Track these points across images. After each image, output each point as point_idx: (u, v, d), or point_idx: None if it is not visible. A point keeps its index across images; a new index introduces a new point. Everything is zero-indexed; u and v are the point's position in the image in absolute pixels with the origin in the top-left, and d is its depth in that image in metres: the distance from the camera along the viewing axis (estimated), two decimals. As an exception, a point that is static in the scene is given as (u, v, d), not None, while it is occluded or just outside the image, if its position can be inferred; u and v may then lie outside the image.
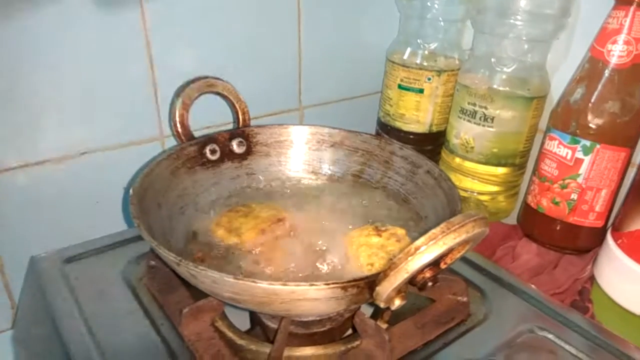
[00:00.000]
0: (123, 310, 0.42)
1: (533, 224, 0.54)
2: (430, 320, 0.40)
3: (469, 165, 0.58)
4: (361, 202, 0.47)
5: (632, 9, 0.45)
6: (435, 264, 0.32)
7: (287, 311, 0.33)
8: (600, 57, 0.47)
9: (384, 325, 0.40)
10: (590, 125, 0.48)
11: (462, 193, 0.60)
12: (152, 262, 0.45)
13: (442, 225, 0.27)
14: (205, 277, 0.30)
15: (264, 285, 0.29)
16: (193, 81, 0.47)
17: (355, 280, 0.30)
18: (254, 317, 0.42)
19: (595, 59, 0.48)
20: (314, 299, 0.30)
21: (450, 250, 0.28)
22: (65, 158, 0.50)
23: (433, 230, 0.27)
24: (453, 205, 0.39)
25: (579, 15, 0.54)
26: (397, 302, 0.31)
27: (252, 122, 0.58)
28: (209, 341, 0.37)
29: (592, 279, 0.50)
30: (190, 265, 0.30)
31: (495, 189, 0.59)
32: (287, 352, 0.38)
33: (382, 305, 0.31)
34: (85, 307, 0.41)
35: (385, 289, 0.29)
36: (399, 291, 0.31)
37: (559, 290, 0.48)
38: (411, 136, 0.66)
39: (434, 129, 0.65)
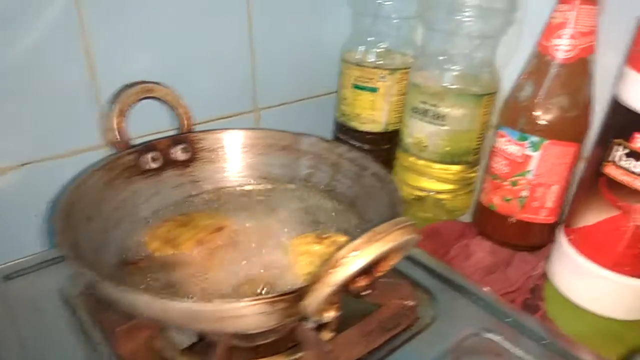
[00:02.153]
0: (60, 328, 0.40)
1: (486, 222, 0.54)
2: (376, 327, 0.39)
3: (423, 164, 0.57)
4: (308, 207, 0.46)
5: (576, 2, 0.44)
6: (367, 272, 0.31)
7: (216, 329, 0.31)
8: (546, 52, 0.46)
9: (330, 334, 0.39)
10: (538, 121, 0.47)
11: (419, 192, 0.60)
12: (91, 277, 0.43)
13: (366, 234, 0.26)
14: (125, 297, 0.29)
15: (186, 304, 0.28)
16: (130, 86, 0.45)
17: (282, 294, 0.28)
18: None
19: (542, 54, 0.47)
20: (240, 315, 0.29)
21: (376, 260, 0.27)
22: (4, 170, 0.48)
23: (356, 241, 0.26)
24: (394, 208, 0.38)
25: (527, 10, 0.54)
26: (329, 314, 0.30)
27: (205, 126, 0.57)
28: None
29: (544, 276, 0.50)
30: (108, 284, 0.29)
31: (450, 187, 0.58)
32: (228, 367, 0.36)
33: (312, 318, 0.30)
34: (21, 326, 0.40)
35: (311, 303, 0.28)
36: (330, 303, 0.29)
37: (511, 288, 0.48)
38: (368, 136, 0.65)
39: (390, 127, 0.64)
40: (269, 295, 0.28)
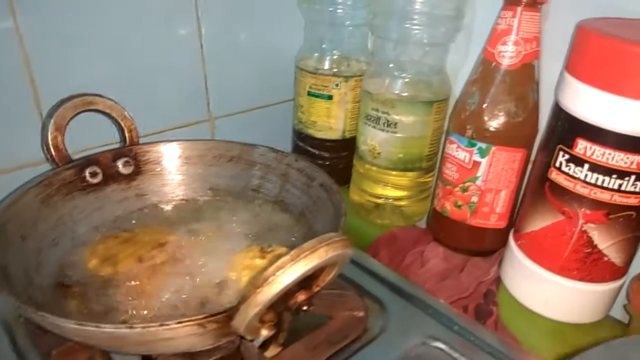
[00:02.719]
0: (-3, 355, 0.38)
1: (440, 227, 0.54)
2: (323, 340, 0.39)
3: (377, 170, 0.57)
4: (256, 220, 0.45)
5: (519, 9, 0.45)
6: (306, 286, 0.31)
7: (147, 352, 0.30)
8: (492, 59, 0.47)
9: (277, 349, 0.38)
10: (485, 127, 0.47)
11: (376, 200, 0.59)
12: (30, 299, 0.41)
13: (293, 252, 0.26)
14: (50, 323, 0.27)
15: (109, 329, 0.27)
16: (68, 99, 0.43)
17: (211, 315, 0.28)
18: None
19: (487, 60, 0.47)
20: (169, 338, 0.28)
21: (304, 277, 0.26)
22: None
23: (282, 259, 0.25)
24: (337, 220, 0.37)
25: (475, 16, 0.54)
26: (264, 333, 0.29)
27: (158, 137, 0.55)
28: (82, 384, 0.34)
29: (497, 280, 0.50)
30: (30, 310, 0.27)
31: (405, 193, 0.58)
32: (170, 388, 0.35)
33: (247, 337, 0.29)
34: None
35: (240, 323, 0.27)
36: (263, 322, 0.29)
37: (464, 294, 0.48)
38: (326, 143, 0.65)
39: (348, 135, 0.64)
40: (198, 317, 0.27)
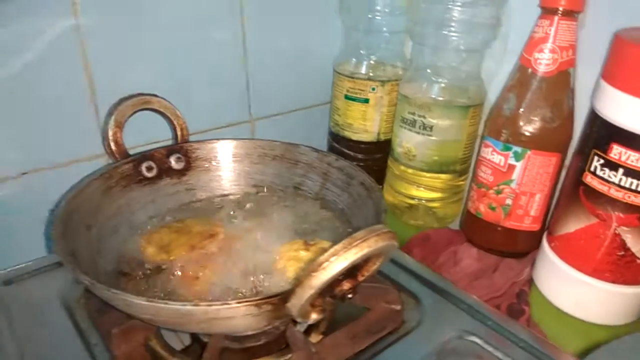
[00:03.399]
0: (58, 331, 0.41)
1: (473, 229, 0.55)
2: (363, 330, 0.41)
3: (412, 172, 0.59)
4: (298, 215, 0.47)
5: (556, 18, 0.46)
6: (351, 275, 0.33)
7: (207, 330, 0.33)
8: (528, 66, 0.48)
9: (319, 337, 0.41)
10: (521, 132, 0.49)
11: (410, 201, 0.61)
12: (89, 283, 0.44)
13: (345, 240, 0.28)
14: (118, 299, 0.30)
15: (176, 307, 0.29)
16: (127, 98, 0.47)
17: (267, 297, 0.30)
18: (192, 334, 0.42)
19: (524, 67, 0.49)
20: (228, 317, 0.30)
21: (356, 264, 0.28)
22: (5, 179, 0.50)
23: (335, 246, 0.28)
24: (378, 217, 0.39)
25: (511, 24, 0.56)
26: (314, 316, 0.31)
27: (203, 136, 0.58)
28: (140, 360, 0.37)
29: (530, 281, 0.51)
30: (103, 288, 0.30)
31: (439, 195, 0.60)
32: (219, 369, 0.38)
33: (298, 320, 0.31)
34: (19, 330, 0.41)
35: (294, 305, 0.29)
36: (313, 305, 0.31)
37: (497, 293, 0.49)
38: (361, 145, 0.67)
39: (382, 137, 0.66)
40: (256, 298, 0.30)
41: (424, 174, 0.59)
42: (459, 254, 0.54)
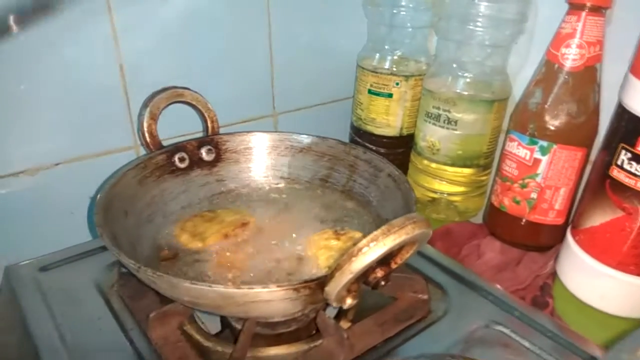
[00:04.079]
0: (94, 316, 0.43)
1: (496, 222, 0.56)
2: (391, 318, 0.42)
3: (435, 166, 0.60)
4: (326, 206, 0.48)
5: (583, 14, 0.46)
6: (385, 263, 0.34)
7: (245, 313, 0.34)
8: (555, 61, 0.49)
9: (347, 324, 0.42)
10: (547, 126, 0.49)
11: (432, 194, 0.62)
12: (124, 270, 0.46)
13: (384, 227, 0.29)
14: (163, 282, 0.32)
15: (219, 289, 0.31)
16: (161, 91, 0.48)
17: (305, 281, 0.31)
18: (224, 320, 0.43)
19: (551, 62, 0.49)
20: (267, 300, 0.31)
21: (392, 251, 0.29)
22: (39, 169, 0.51)
23: (374, 232, 0.29)
24: (408, 207, 0.40)
25: (537, 20, 0.56)
26: (349, 301, 0.32)
27: (228, 129, 0.59)
28: (176, 344, 0.39)
29: (554, 274, 0.52)
30: (148, 272, 0.32)
31: (462, 189, 0.60)
32: (252, 353, 0.39)
33: (334, 304, 0.32)
34: (57, 314, 0.42)
35: (333, 289, 0.30)
36: (349, 291, 0.32)
37: (521, 286, 0.50)
38: (384, 140, 0.68)
39: (405, 132, 0.67)
40: (295, 282, 0.31)
41: (448, 168, 0.59)
42: (482, 247, 0.55)
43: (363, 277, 0.33)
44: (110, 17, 0.49)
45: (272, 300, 0.31)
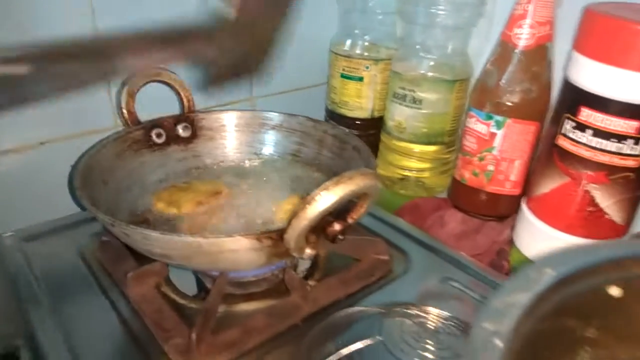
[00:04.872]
0: (78, 280, 0.46)
1: (459, 194, 0.60)
2: (353, 276, 0.45)
3: (403, 145, 0.63)
4: (296, 178, 0.52)
5: (535, -4, 0.50)
6: (342, 218, 0.37)
7: (213, 264, 0.37)
8: (509, 41, 0.52)
9: (313, 283, 0.45)
10: (502, 102, 0.53)
11: (402, 172, 0.65)
12: (104, 238, 0.49)
13: (335, 178, 0.32)
14: (136, 234, 0.35)
15: (186, 238, 0.34)
16: (138, 71, 0.51)
17: (267, 231, 0.34)
18: (199, 284, 0.46)
19: (505, 42, 0.53)
20: (233, 250, 0.34)
21: (342, 201, 0.32)
22: (25, 148, 0.54)
23: (326, 183, 0.32)
24: (369, 166, 0.43)
25: (496, 4, 0.60)
26: (308, 251, 0.36)
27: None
28: (152, 301, 0.42)
29: (510, 241, 0.55)
30: (122, 225, 0.34)
31: (428, 165, 0.64)
32: (225, 309, 0.42)
33: (294, 254, 0.35)
34: (42, 278, 0.45)
35: (290, 236, 0.33)
36: (308, 241, 0.35)
37: (479, 251, 0.54)
38: (357, 122, 0.71)
39: (376, 114, 0.70)
40: (256, 232, 0.34)
41: (414, 146, 0.63)
42: (445, 217, 0.58)
43: (321, 230, 0.36)
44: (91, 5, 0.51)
45: (238, 249, 0.34)
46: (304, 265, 0.47)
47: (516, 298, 0.23)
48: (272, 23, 0.36)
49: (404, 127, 0.62)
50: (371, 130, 0.71)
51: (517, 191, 0.56)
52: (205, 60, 0.36)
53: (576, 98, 0.45)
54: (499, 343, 0.20)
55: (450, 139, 0.63)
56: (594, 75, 0.44)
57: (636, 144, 0.43)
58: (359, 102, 0.69)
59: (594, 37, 0.44)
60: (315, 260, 0.48)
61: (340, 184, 0.32)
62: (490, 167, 0.55)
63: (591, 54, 0.44)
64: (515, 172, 0.55)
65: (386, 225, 0.53)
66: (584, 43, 0.45)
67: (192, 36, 0.34)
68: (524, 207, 0.53)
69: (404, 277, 0.46)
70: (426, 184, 0.65)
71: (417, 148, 0.63)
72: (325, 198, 0.32)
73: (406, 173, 0.65)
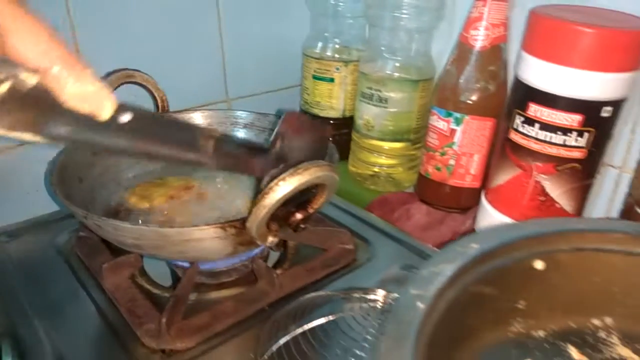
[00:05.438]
0: (56, 273, 0.48)
1: (424, 188, 0.63)
2: (319, 264, 0.48)
3: (372, 142, 0.66)
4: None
5: (488, 0, 0.53)
6: (303, 207, 0.40)
7: (182, 253, 0.39)
8: (466, 42, 0.55)
9: (280, 272, 0.47)
10: (461, 100, 0.56)
11: (372, 168, 0.68)
12: (82, 233, 0.51)
13: (291, 169, 0.35)
14: (108, 225, 0.37)
15: (155, 228, 0.36)
16: (113, 72, 0.53)
17: (231, 220, 0.37)
18: (174, 275, 0.49)
19: (463, 43, 0.56)
20: (199, 239, 0.37)
21: (298, 189, 0.35)
22: (5, 149, 0.56)
23: (282, 174, 0.34)
24: (329, 159, 0.46)
25: (457, 8, 0.63)
26: (270, 239, 0.38)
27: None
28: (126, 290, 0.44)
29: (472, 231, 0.58)
30: (95, 217, 0.37)
31: (396, 162, 0.67)
32: (197, 297, 0.45)
33: (258, 241, 0.38)
34: (21, 272, 0.47)
35: (252, 223, 0.36)
36: (270, 229, 0.38)
37: (442, 240, 0.57)
38: (330, 121, 0.74)
39: (347, 113, 0.73)
40: (220, 222, 0.36)
41: (382, 143, 0.66)
42: (411, 210, 0.61)
43: (284, 219, 0.39)
44: (67, 7, 0.54)
45: (204, 238, 0.37)
46: (274, 257, 0.50)
47: (441, 268, 0.25)
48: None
49: (372, 125, 0.65)
50: (344, 130, 0.74)
51: (477, 184, 0.59)
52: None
53: (525, 94, 0.49)
54: (421, 305, 0.23)
55: (416, 136, 0.66)
56: (540, 73, 0.47)
57: (580, 136, 0.47)
58: (331, 102, 0.72)
59: (539, 38, 0.47)
60: (284, 252, 0.50)
61: (296, 174, 0.34)
62: (452, 162, 0.58)
63: (537, 53, 0.47)
64: (474, 166, 0.58)
65: (353, 218, 0.56)
66: (530, 43, 0.48)
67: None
68: (482, 198, 0.56)
69: (367, 265, 0.48)
70: (396, 180, 0.68)
71: (386, 145, 0.66)
72: (283, 187, 0.34)
73: (377, 169, 0.68)
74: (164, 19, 0.61)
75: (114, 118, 0.29)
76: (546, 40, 0.46)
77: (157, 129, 0.31)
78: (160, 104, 0.56)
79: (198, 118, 0.57)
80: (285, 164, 0.35)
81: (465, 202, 0.61)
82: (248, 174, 0.37)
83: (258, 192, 0.35)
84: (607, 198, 0.57)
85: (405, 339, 0.21)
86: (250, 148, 0.36)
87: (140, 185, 0.50)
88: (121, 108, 0.29)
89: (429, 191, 0.62)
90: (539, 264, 0.29)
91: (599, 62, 0.44)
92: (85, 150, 0.49)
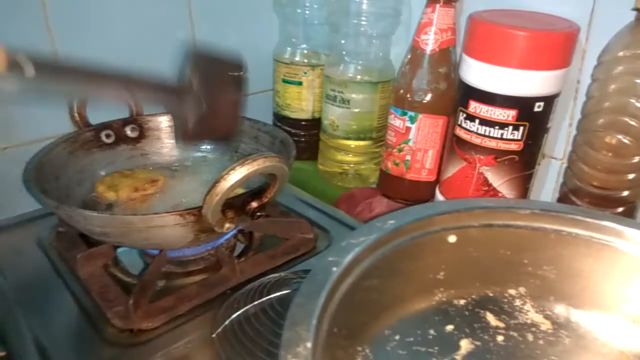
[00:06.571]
0: (36, 266, 0.51)
1: (384, 183, 0.67)
2: (280, 252, 0.51)
3: (338, 141, 0.70)
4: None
5: (437, 6, 0.58)
6: (258, 197, 0.44)
7: (148, 240, 0.43)
8: (417, 46, 0.60)
9: (243, 259, 0.51)
10: (414, 100, 0.60)
11: (340, 166, 0.72)
12: (60, 229, 0.54)
13: (241, 160, 0.39)
14: (77, 214, 0.41)
15: (119, 216, 0.40)
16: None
17: (188, 208, 0.40)
18: (145, 266, 0.52)
19: (415, 47, 0.60)
20: (161, 226, 0.41)
21: (247, 177, 0.39)
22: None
23: (233, 165, 0.38)
24: (286, 154, 0.50)
25: (412, 15, 0.67)
26: (227, 225, 0.42)
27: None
28: (100, 278, 0.48)
29: (428, 222, 0.62)
30: (65, 207, 0.41)
31: (361, 159, 0.71)
32: (165, 284, 0.48)
33: (216, 228, 0.42)
34: (3, 267, 0.51)
35: (207, 210, 0.40)
36: (226, 217, 0.42)
37: (399, 232, 0.61)
38: (301, 123, 0.78)
39: (316, 115, 0.77)
40: (179, 210, 0.40)
41: (348, 142, 0.70)
42: (373, 204, 0.65)
43: (241, 208, 0.43)
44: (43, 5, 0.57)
45: (165, 226, 0.41)
46: (240, 248, 0.54)
47: (360, 240, 0.29)
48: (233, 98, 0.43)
49: (337, 125, 0.69)
50: (314, 130, 0.78)
51: (432, 177, 0.63)
52: (177, 115, 0.42)
53: (466, 93, 0.53)
54: (335, 269, 0.27)
55: (378, 134, 0.70)
56: (478, 73, 0.51)
57: (515, 130, 0.51)
58: (300, 104, 0.76)
59: (476, 41, 0.51)
60: (249, 242, 0.54)
61: (245, 164, 0.38)
62: (408, 157, 0.62)
63: (475, 55, 0.51)
64: (429, 161, 0.62)
65: (316, 211, 0.60)
66: (469, 46, 0.53)
67: (167, 89, 0.41)
68: (437, 191, 0.61)
69: (324, 251, 0.52)
70: (362, 176, 0.72)
71: (352, 144, 0.70)
72: (233, 176, 0.38)
73: (345, 167, 0.72)
74: (138, 27, 0.65)
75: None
76: (483, 43, 0.51)
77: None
78: (134, 108, 0.60)
79: (170, 120, 0.61)
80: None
81: (422, 194, 0.65)
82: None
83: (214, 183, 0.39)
84: (551, 188, 0.61)
85: (315, 296, 0.25)
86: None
87: (110, 176, 0.54)
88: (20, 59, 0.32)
89: (389, 185, 0.66)
90: (452, 238, 0.33)
91: (531, 62, 0.49)
92: (62, 150, 0.53)
